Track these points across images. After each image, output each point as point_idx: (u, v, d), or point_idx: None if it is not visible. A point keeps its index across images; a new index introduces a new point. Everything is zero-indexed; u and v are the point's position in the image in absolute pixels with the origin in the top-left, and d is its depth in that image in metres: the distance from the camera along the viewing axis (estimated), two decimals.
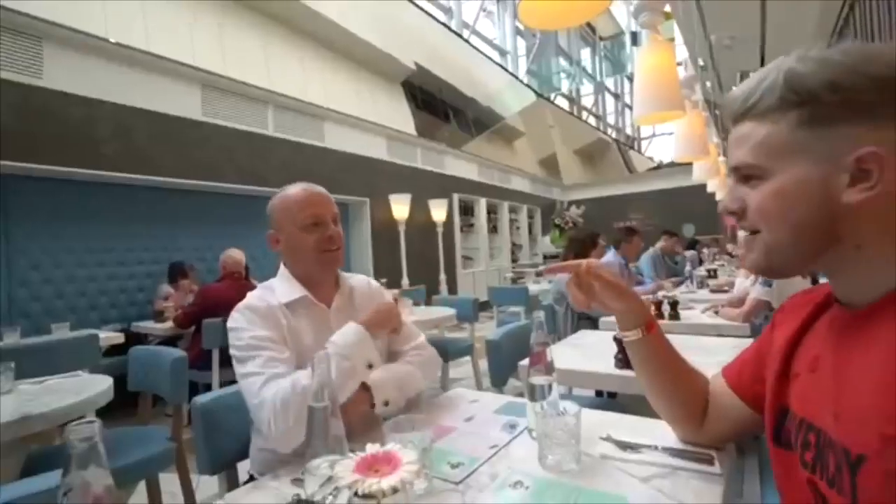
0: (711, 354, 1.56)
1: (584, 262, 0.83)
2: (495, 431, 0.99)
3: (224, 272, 3.36)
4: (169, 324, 3.31)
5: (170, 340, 3.33)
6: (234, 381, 1.23)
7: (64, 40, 3.47)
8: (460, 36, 9.61)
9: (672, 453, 0.81)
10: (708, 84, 5.12)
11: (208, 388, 2.94)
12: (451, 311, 3.35)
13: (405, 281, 6.34)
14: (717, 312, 2.32)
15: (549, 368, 0.92)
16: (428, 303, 4.47)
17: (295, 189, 1.12)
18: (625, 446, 0.85)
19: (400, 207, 6.35)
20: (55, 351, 2.20)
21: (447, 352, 3.18)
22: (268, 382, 0.93)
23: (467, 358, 3.43)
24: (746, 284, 2.41)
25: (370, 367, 1.03)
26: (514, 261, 9.80)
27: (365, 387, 1.01)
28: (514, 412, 1.09)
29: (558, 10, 1.08)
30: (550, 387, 0.90)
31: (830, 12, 3.74)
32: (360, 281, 1.27)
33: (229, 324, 1.04)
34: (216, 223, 4.60)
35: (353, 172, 6.04)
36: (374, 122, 6.43)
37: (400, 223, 6.41)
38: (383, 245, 6.33)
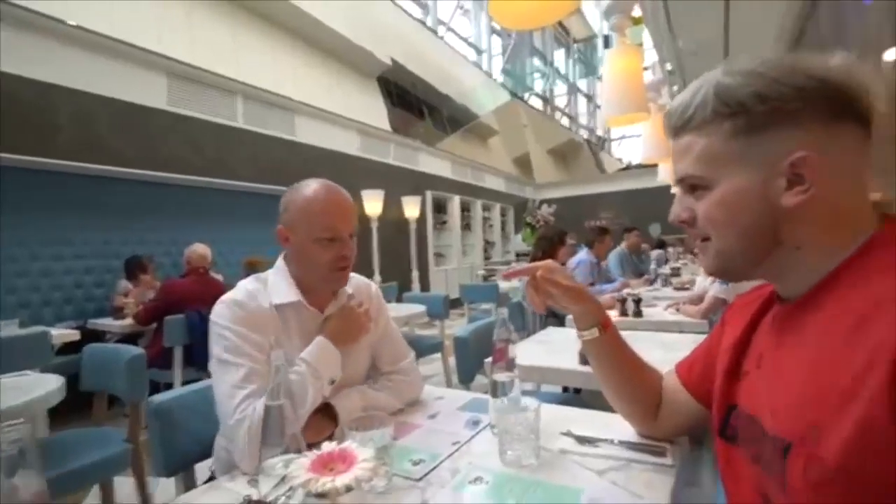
0: (672, 350, 1.61)
1: (540, 265, 0.85)
2: (458, 428, 0.99)
3: (189, 267, 3.26)
4: (128, 320, 3.19)
5: (129, 338, 3.21)
6: (196, 381, 1.20)
7: (19, 21, 3.29)
8: (436, 33, 9.59)
9: (627, 446, 0.84)
10: (675, 88, 5.26)
11: (169, 387, 2.85)
12: (421, 308, 3.35)
13: (377, 278, 6.29)
14: (678, 310, 2.39)
15: (510, 365, 0.93)
16: (399, 300, 4.46)
17: (317, 191, 1.01)
18: (583, 440, 0.87)
19: (373, 203, 6.29)
20: (2, 349, 2.09)
21: (417, 349, 3.18)
22: (246, 400, 0.88)
23: (438, 354, 3.44)
24: (706, 283, 2.49)
25: (332, 382, 0.98)
26: (486, 258, 9.87)
27: (332, 413, 0.97)
28: (478, 409, 1.09)
29: (527, 9, 1.09)
30: (512, 383, 0.91)
31: (789, 21, 3.90)
32: (360, 284, 1.19)
33: (213, 317, 0.97)
34: (181, 216, 4.45)
35: (325, 167, 5.96)
36: (347, 116, 6.36)
37: (372, 219, 6.36)
38: (356, 242, 6.27)
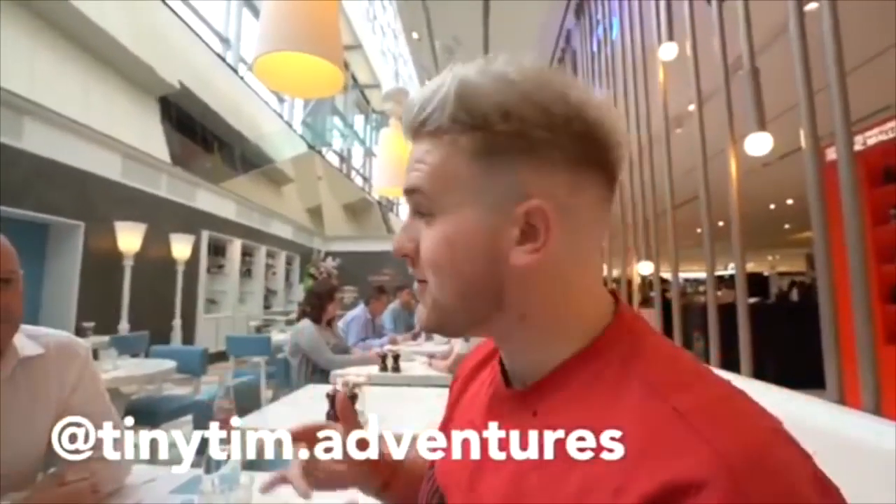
0: (422, 403, 1.79)
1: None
2: None
3: None
4: None
5: None
6: None
7: None
8: (236, 72, 9.05)
9: None
10: None
11: None
12: (170, 364, 2.91)
13: (124, 325, 5.25)
14: (430, 364, 2.67)
15: (231, 438, 0.89)
16: (148, 353, 3.78)
17: None
18: None
19: (130, 238, 5.34)
20: None
21: (157, 413, 2.74)
22: None
23: (189, 417, 3.00)
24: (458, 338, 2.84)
25: None
26: (266, 307, 9.27)
27: None
28: (194, 489, 0.99)
29: (291, 82, 1.17)
30: (227, 458, 0.87)
31: None
32: (61, 344, 0.95)
33: None
34: None
35: (65, 188, 4.84)
36: (108, 134, 5.34)
37: (127, 256, 5.36)
38: (99, 281, 5.14)
